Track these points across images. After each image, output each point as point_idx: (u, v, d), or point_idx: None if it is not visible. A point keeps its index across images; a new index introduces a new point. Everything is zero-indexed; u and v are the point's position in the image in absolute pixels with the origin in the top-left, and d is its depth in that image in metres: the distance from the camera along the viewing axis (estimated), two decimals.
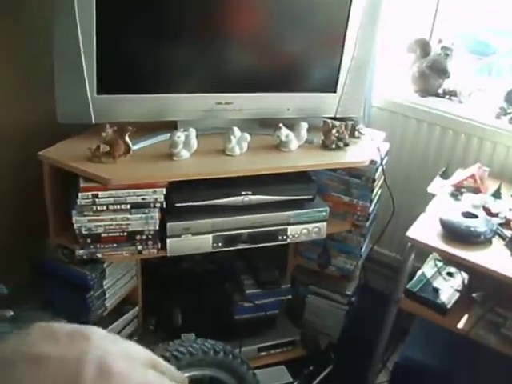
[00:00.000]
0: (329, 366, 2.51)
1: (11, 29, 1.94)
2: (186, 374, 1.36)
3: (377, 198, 2.34)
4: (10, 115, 2.02)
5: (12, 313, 0.57)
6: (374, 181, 2.19)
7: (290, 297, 2.42)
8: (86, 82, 1.87)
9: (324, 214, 2.11)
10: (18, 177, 2.12)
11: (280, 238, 2.08)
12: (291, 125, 2.10)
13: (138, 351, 0.51)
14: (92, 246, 1.91)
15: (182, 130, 1.93)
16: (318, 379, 2.45)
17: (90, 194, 1.82)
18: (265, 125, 2.17)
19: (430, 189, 2.30)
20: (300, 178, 2.06)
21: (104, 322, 2.10)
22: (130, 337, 2.25)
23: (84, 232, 1.87)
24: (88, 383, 0.42)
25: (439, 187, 2.30)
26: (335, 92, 2.20)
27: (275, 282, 2.37)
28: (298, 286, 2.49)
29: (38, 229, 2.05)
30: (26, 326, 0.60)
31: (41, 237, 2.07)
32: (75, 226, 1.86)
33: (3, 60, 1.95)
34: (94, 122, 1.94)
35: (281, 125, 2.05)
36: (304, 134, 2.10)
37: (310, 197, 2.07)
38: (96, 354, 0.45)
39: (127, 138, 1.86)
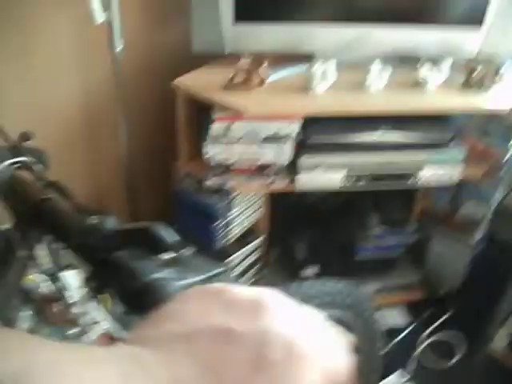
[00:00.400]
0: (447, 311, 2.44)
1: None
2: None
3: None
4: (146, 43, 2.03)
5: (173, 254, 0.53)
6: None
7: (415, 239, 2.35)
8: (223, 9, 1.83)
9: (459, 158, 2.00)
10: (151, 104, 2.15)
11: (411, 180, 1.99)
12: (433, 61, 1.97)
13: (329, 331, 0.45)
14: (222, 176, 1.91)
15: (319, 62, 1.86)
16: (436, 324, 2.39)
17: (223, 124, 1.81)
18: (405, 61, 2.05)
19: None
20: (437, 119, 1.95)
21: (228, 251, 2.13)
22: (252, 266, 2.28)
23: (215, 162, 1.87)
24: (275, 368, 0.37)
25: None
26: (481, 25, 2.04)
27: (401, 223, 2.30)
28: (423, 228, 2.41)
29: (168, 157, 2.08)
30: (184, 266, 0.59)
31: (169, 166, 2.10)
32: (207, 155, 1.86)
33: None
34: (229, 51, 1.90)
35: (422, 61, 1.93)
36: (446, 72, 1.97)
37: (447, 139, 1.96)
38: (280, 333, 0.39)
39: (263, 69, 1.82)
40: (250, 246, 2.21)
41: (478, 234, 2.35)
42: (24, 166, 0.79)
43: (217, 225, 2.01)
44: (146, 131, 2.16)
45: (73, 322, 0.80)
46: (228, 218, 2.05)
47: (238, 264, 2.21)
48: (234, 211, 2.07)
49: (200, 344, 0.37)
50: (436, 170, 1.99)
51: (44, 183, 0.75)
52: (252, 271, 2.29)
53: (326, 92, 1.88)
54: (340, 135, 1.88)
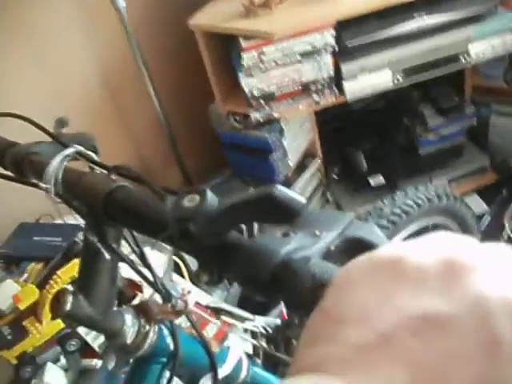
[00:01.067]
0: None
1: None
2: (415, 227, 1.26)
3: None
4: None
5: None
6: None
7: (474, 121, 2.22)
8: None
9: (509, 23, 1.84)
10: (172, 52, 2.03)
11: (463, 60, 1.85)
12: None
13: None
14: (267, 106, 1.81)
15: None
16: None
17: (254, 52, 1.69)
18: None
19: None
20: None
21: (290, 181, 2.05)
22: (316, 189, 2.20)
23: (256, 94, 1.77)
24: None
25: None
26: None
27: (457, 108, 2.17)
28: (479, 107, 2.27)
29: (205, 101, 1.98)
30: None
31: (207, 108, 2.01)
32: (246, 89, 1.76)
33: None
34: None
35: None
36: None
37: (492, 6, 1.80)
38: (502, 296, 0.27)
39: None
40: (309, 169, 2.13)
41: None
42: (76, 156, 0.70)
43: (274, 158, 1.91)
44: (174, 80, 2.06)
45: (176, 313, 0.73)
46: (282, 148, 1.95)
47: (304, 190, 2.13)
48: (287, 139, 1.97)
49: (401, 347, 0.26)
50: (486, 44, 1.84)
51: (108, 170, 0.66)
52: (318, 193, 2.21)
53: None
54: (377, 32, 1.75)
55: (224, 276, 0.52)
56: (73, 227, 1.45)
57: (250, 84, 1.74)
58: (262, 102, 1.79)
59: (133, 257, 0.69)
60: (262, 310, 1.71)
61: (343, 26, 1.71)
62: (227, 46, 1.85)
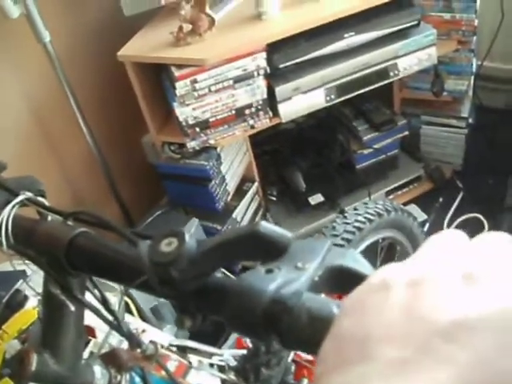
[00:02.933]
0: (458, 194, 2.39)
1: None
2: (367, 242, 1.26)
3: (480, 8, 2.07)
4: (76, 25, 1.85)
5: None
6: None
7: (406, 133, 2.26)
8: None
9: (432, 37, 1.90)
10: (102, 85, 1.98)
11: (392, 73, 1.90)
12: None
13: None
14: (202, 134, 1.78)
15: None
16: (452, 210, 2.34)
17: (187, 80, 1.67)
18: None
19: None
20: (399, 6, 1.83)
21: (230, 207, 2.03)
22: (256, 212, 2.19)
23: (191, 122, 1.75)
24: None
25: None
26: None
27: (390, 121, 2.20)
28: (409, 119, 2.32)
29: (139, 133, 1.95)
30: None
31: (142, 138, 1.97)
32: (180, 118, 1.73)
33: None
34: (163, 2, 1.74)
35: None
36: None
37: (416, 22, 1.85)
38: None
39: (208, 9, 1.67)
40: (248, 193, 2.11)
41: (466, 108, 2.28)
42: (26, 203, 0.66)
43: (212, 185, 1.89)
44: (106, 113, 2.00)
45: (147, 358, 0.69)
46: (221, 175, 1.93)
47: (244, 215, 2.11)
48: (224, 165, 1.96)
49: (438, 354, 0.26)
50: (413, 56, 1.90)
51: (63, 216, 0.62)
52: (258, 216, 2.20)
53: (279, 13, 1.75)
54: (308, 52, 1.76)
55: (208, 319, 0.49)
56: (10, 275, 1.37)
57: (184, 113, 1.71)
58: (197, 130, 1.76)
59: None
60: (213, 341, 1.68)
61: (274, 49, 1.72)
62: (158, 76, 1.82)
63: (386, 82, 1.91)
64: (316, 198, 2.18)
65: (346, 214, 1.26)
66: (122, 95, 1.87)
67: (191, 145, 1.80)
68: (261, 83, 1.74)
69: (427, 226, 2.28)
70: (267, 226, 0.43)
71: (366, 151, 2.20)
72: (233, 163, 2.01)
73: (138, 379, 0.71)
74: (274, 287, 0.42)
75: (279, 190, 2.26)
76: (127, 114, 1.93)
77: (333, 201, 2.19)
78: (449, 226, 2.27)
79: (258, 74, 1.72)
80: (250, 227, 0.43)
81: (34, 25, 1.62)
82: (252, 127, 1.82)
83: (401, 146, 2.34)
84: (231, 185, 2.03)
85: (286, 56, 1.73)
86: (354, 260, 0.46)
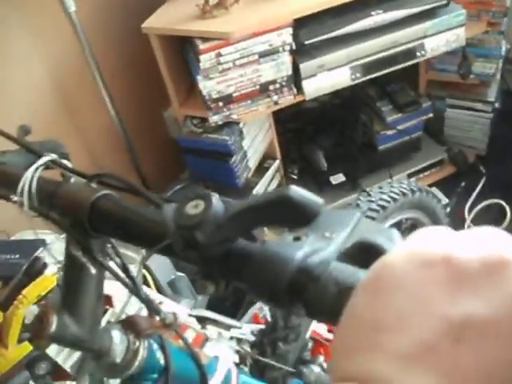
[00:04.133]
0: (481, 179, 2.36)
1: None
2: (391, 221, 1.24)
3: None
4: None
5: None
6: None
7: (431, 115, 2.23)
8: None
9: (461, 17, 1.86)
10: (126, 56, 1.97)
11: (419, 53, 1.87)
12: None
13: None
14: (225, 109, 1.77)
15: None
16: (474, 195, 2.31)
17: (212, 53, 1.66)
18: None
19: None
20: None
21: (250, 183, 2.02)
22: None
23: (214, 96, 1.73)
24: None
25: None
26: None
27: (414, 103, 2.18)
28: (434, 101, 2.29)
29: (161, 105, 1.94)
30: None
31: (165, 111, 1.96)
32: (204, 91, 1.72)
33: None
34: None
35: None
36: None
37: (445, 2, 1.81)
38: None
39: None
40: (270, 171, 2.10)
41: (493, 91, 2.24)
42: (50, 165, 0.65)
43: (233, 161, 1.88)
44: (129, 85, 2.00)
45: (166, 326, 0.69)
46: (242, 151, 1.92)
47: (265, 192, 2.10)
48: (246, 141, 1.94)
49: (443, 355, 0.24)
50: (441, 38, 1.86)
51: (87, 178, 0.61)
52: None
53: None
54: (334, 29, 1.74)
55: (232, 286, 0.48)
56: (31, 243, 1.37)
57: (208, 86, 1.70)
58: (220, 104, 1.75)
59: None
60: (231, 316, 1.68)
61: (300, 25, 1.70)
62: (182, 49, 1.80)
63: (412, 62, 1.88)
64: (337, 178, 2.16)
65: (370, 192, 1.24)
66: (146, 68, 1.86)
67: (214, 119, 1.79)
68: (286, 59, 1.72)
69: (448, 210, 2.26)
70: (298, 191, 0.42)
71: (389, 132, 2.18)
72: (255, 139, 2.00)
73: (156, 346, 0.71)
74: (301, 255, 0.41)
75: (301, 168, 2.24)
76: (151, 86, 1.92)
77: (354, 181, 2.17)
78: (470, 210, 2.25)
79: (284, 50, 1.70)
80: (280, 191, 0.42)
81: None
82: (276, 103, 1.81)
83: (424, 129, 2.31)
84: (252, 161, 2.02)
85: (312, 32, 1.71)
86: (388, 237, 0.44)
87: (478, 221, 2.21)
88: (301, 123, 2.24)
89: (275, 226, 0.46)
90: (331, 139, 2.19)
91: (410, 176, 2.27)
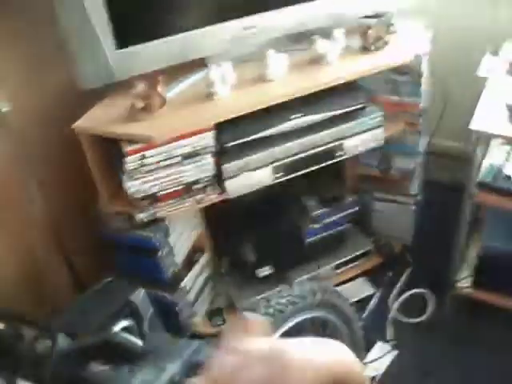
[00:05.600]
0: (407, 269, 2.46)
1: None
2: (292, 322, 1.30)
3: (425, 91, 2.16)
4: (33, 96, 1.90)
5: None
6: (420, 75, 2.03)
7: (356, 209, 2.32)
8: (101, 40, 1.71)
9: (379, 119, 1.98)
10: (58, 156, 2.02)
11: (338, 154, 1.96)
12: (326, 34, 1.93)
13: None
14: (151, 207, 1.82)
15: (214, 66, 1.79)
16: (400, 284, 2.39)
17: (136, 156, 1.72)
18: (299, 40, 2.00)
19: (481, 72, 2.08)
20: (347, 88, 1.91)
21: (179, 277, 2.05)
22: (206, 282, 2.22)
23: (139, 195, 1.78)
24: None
25: (490, 68, 2.08)
26: None
27: (340, 197, 2.27)
28: (362, 195, 2.39)
29: (90, 200, 1.98)
30: None
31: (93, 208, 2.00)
32: (129, 191, 1.77)
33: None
34: (117, 79, 1.80)
35: (315, 37, 1.89)
36: (341, 40, 1.93)
37: (362, 105, 1.93)
38: None
39: (160, 88, 1.73)
40: (199, 264, 2.15)
41: (415, 184, 2.35)
42: None
43: (159, 257, 1.92)
44: (62, 182, 2.03)
45: None
46: (168, 247, 1.97)
47: (193, 285, 2.14)
48: (173, 237, 1.99)
49: None
50: (359, 139, 1.97)
51: None
52: (209, 287, 2.23)
53: (229, 94, 1.82)
54: (254, 132, 1.82)
55: None
56: None
57: (133, 186, 1.75)
58: (146, 203, 1.80)
59: None
60: None
61: (223, 127, 1.77)
62: (112, 148, 1.87)
63: (331, 161, 1.96)
64: (264, 271, 2.22)
65: (269, 298, 1.30)
66: (79, 164, 1.91)
67: (139, 217, 1.84)
68: (209, 160, 1.79)
69: (375, 299, 2.33)
70: (119, 335, 0.48)
71: (315, 225, 2.26)
72: (182, 235, 2.05)
73: None
74: None
75: (231, 260, 2.30)
76: (85, 183, 1.97)
77: (282, 273, 2.23)
78: (395, 300, 2.32)
79: (206, 152, 1.78)
80: (105, 334, 0.48)
81: None
82: (199, 202, 1.86)
83: (352, 220, 2.40)
84: (180, 255, 2.06)
85: (234, 135, 1.79)
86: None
87: (402, 310, 2.28)
88: (230, 215, 2.30)
89: (108, 361, 0.51)
90: (259, 232, 2.25)
91: (338, 266, 2.35)
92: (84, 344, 0.50)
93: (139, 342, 0.50)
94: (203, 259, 2.17)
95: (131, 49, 1.77)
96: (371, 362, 2.08)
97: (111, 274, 2.01)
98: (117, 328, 0.56)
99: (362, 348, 1.80)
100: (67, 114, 1.80)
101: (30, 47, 1.85)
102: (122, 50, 1.75)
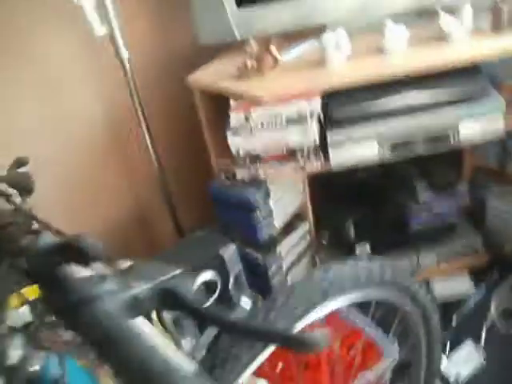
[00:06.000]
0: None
1: None
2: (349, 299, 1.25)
3: None
4: (154, 46, 2.00)
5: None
6: None
7: (468, 201, 2.22)
8: None
9: (500, 108, 1.85)
10: (171, 106, 2.11)
11: (452, 141, 1.87)
12: (453, 11, 1.85)
13: None
14: (252, 167, 1.86)
15: (331, 32, 1.78)
16: (504, 286, 2.27)
17: (242, 113, 1.76)
18: (423, 15, 1.94)
19: None
20: (468, 71, 1.82)
21: (276, 240, 2.08)
22: (305, 252, 2.23)
23: (242, 153, 1.83)
24: None
25: None
26: None
27: (452, 186, 2.18)
28: (477, 188, 2.28)
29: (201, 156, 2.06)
30: None
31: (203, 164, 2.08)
32: (232, 147, 1.82)
33: None
34: (238, 38, 1.85)
35: (441, 12, 1.82)
36: (469, 17, 1.84)
37: (482, 90, 1.83)
38: None
39: (274, 50, 1.76)
40: (296, 232, 2.16)
41: None
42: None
43: (256, 216, 1.96)
44: (173, 133, 2.13)
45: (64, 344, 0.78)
46: (268, 208, 2.00)
47: (288, 252, 2.16)
48: (274, 200, 2.02)
49: None
50: (476, 125, 1.87)
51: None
52: (303, 257, 2.24)
53: (343, 62, 1.80)
54: (365, 105, 1.80)
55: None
56: None
57: (236, 143, 1.80)
58: (247, 161, 1.84)
59: None
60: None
61: (332, 96, 1.77)
62: (223, 104, 1.93)
63: (444, 149, 1.88)
64: (362, 249, 2.19)
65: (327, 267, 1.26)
66: (189, 118, 1.99)
67: (241, 174, 1.88)
68: (314, 128, 1.79)
69: (475, 299, 2.23)
70: (84, 239, 0.53)
71: (422, 213, 2.19)
72: (283, 200, 2.07)
73: (54, 361, 0.79)
74: (93, 289, 0.52)
75: (331, 233, 2.29)
76: (194, 135, 2.05)
77: (379, 254, 2.19)
78: (496, 302, 2.21)
79: (312, 119, 1.78)
80: (74, 236, 0.53)
81: (116, 42, 1.79)
82: (302, 168, 1.88)
83: (465, 213, 2.30)
84: (280, 219, 2.08)
85: (343, 105, 1.78)
86: (187, 289, 0.56)
87: (504, 317, 2.17)
88: (337, 188, 2.28)
89: (72, 260, 0.55)
90: (364, 210, 2.23)
91: (439, 258, 2.27)
92: (58, 242, 0.55)
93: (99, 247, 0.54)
94: (303, 228, 2.18)
95: (253, 9, 1.80)
96: (454, 363, 2.00)
97: (211, 227, 2.09)
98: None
99: (438, 349, 1.70)
100: (184, 66, 1.88)
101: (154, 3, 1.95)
102: (243, 9, 1.80)
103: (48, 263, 0.56)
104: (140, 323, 0.56)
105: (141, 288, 0.55)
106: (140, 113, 1.91)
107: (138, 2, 1.92)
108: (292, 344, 0.52)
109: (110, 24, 1.72)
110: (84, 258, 0.53)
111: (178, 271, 0.58)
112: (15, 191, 0.78)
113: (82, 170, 1.96)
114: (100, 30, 1.70)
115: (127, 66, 1.83)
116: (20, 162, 0.84)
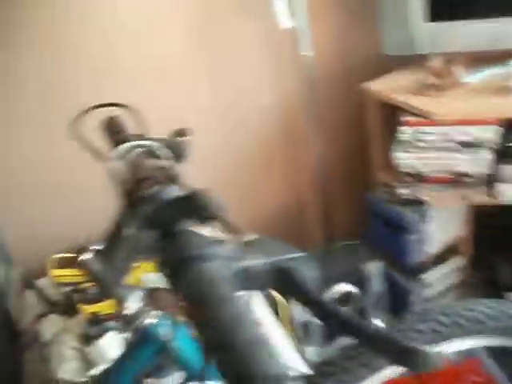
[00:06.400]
0: None
1: None
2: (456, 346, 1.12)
3: None
4: (336, 47, 2.00)
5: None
6: None
7: None
8: (413, 9, 1.73)
9: None
10: (343, 110, 2.10)
11: None
12: None
13: None
14: (414, 186, 1.79)
15: None
16: None
17: (412, 128, 1.71)
18: None
19: None
20: None
21: (423, 267, 1.99)
22: (449, 288, 2.11)
23: (405, 169, 1.77)
24: None
25: None
26: None
27: None
28: None
29: (363, 166, 2.03)
30: None
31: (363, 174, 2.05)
32: (395, 161, 1.76)
33: None
34: (422, 52, 1.79)
35: None
36: None
37: None
38: None
39: (457, 70, 1.68)
40: (447, 264, 2.05)
41: None
42: (149, 151, 0.80)
43: (409, 239, 1.89)
44: (337, 137, 2.12)
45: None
46: (422, 233, 1.91)
47: (435, 282, 2.06)
48: (431, 225, 1.93)
49: None
50: None
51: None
52: (450, 291, 2.12)
53: None
54: None
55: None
56: None
57: (400, 158, 1.75)
58: (409, 179, 1.78)
59: None
60: None
61: (510, 126, 1.66)
62: (393, 118, 1.88)
63: None
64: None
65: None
66: (357, 125, 1.96)
67: (400, 191, 1.82)
68: (487, 156, 1.68)
69: None
70: (205, 195, 0.52)
71: None
72: (441, 227, 1.97)
73: (164, 323, 0.80)
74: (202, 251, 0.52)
75: (483, 272, 2.14)
76: (360, 143, 2.02)
77: None
78: None
79: (487, 147, 1.68)
80: (195, 190, 0.53)
81: (301, 38, 1.81)
82: (465, 198, 1.77)
83: None
84: (433, 247, 1.99)
85: None
86: (304, 271, 0.53)
87: None
88: (503, 227, 2.12)
89: (190, 216, 0.55)
90: None
91: None
92: (180, 195, 0.56)
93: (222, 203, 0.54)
94: (456, 262, 2.06)
95: (442, 24, 1.74)
96: None
97: (360, 238, 2.05)
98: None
99: None
100: (361, 74, 1.87)
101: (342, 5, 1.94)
102: (432, 24, 1.74)
103: (169, 215, 0.56)
104: (249, 299, 0.54)
105: (255, 261, 0.53)
106: (312, 111, 1.91)
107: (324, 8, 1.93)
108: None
109: (298, 18, 1.74)
110: (201, 214, 0.52)
111: (300, 254, 0.55)
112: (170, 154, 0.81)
113: (253, 154, 2.03)
114: (287, 23, 1.73)
115: (311, 62, 1.84)
116: (181, 132, 0.87)
